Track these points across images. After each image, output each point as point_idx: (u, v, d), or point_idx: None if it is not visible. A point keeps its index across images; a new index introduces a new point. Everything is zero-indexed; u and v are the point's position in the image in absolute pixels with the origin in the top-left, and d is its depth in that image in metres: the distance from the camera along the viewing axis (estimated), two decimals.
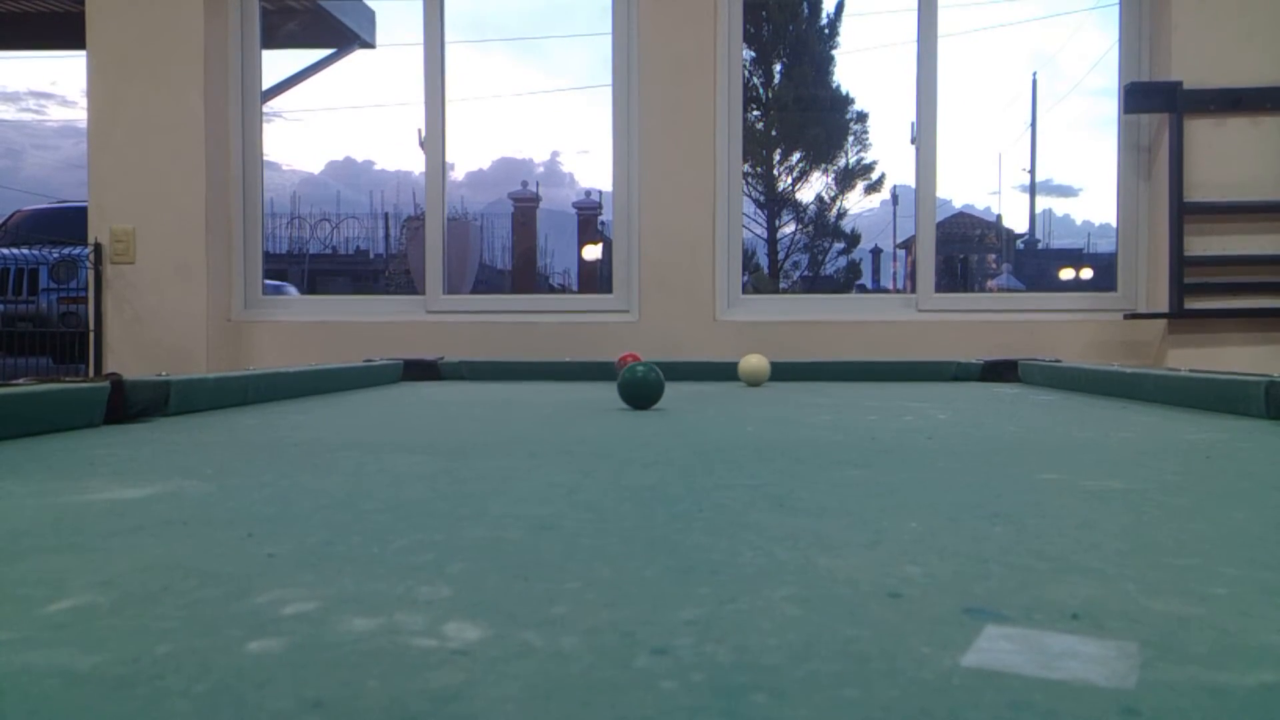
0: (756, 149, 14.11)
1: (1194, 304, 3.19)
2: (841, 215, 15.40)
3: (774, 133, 14.91)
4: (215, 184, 3.58)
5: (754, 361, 1.93)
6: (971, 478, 0.76)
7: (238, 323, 3.65)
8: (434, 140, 3.64)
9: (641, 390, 1.39)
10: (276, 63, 4.62)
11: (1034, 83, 20.12)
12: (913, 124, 3.51)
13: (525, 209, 15.62)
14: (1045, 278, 17.02)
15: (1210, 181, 3.19)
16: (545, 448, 0.97)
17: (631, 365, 1.42)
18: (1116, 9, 3.42)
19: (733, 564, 0.45)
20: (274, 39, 4.43)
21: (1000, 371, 2.16)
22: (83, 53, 3.53)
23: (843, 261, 15.86)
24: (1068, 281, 17.13)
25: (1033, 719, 0.26)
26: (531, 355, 2.90)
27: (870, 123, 15.06)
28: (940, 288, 3.52)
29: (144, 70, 3.50)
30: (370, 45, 5.10)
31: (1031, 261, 18.26)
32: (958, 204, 17.17)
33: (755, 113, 14.12)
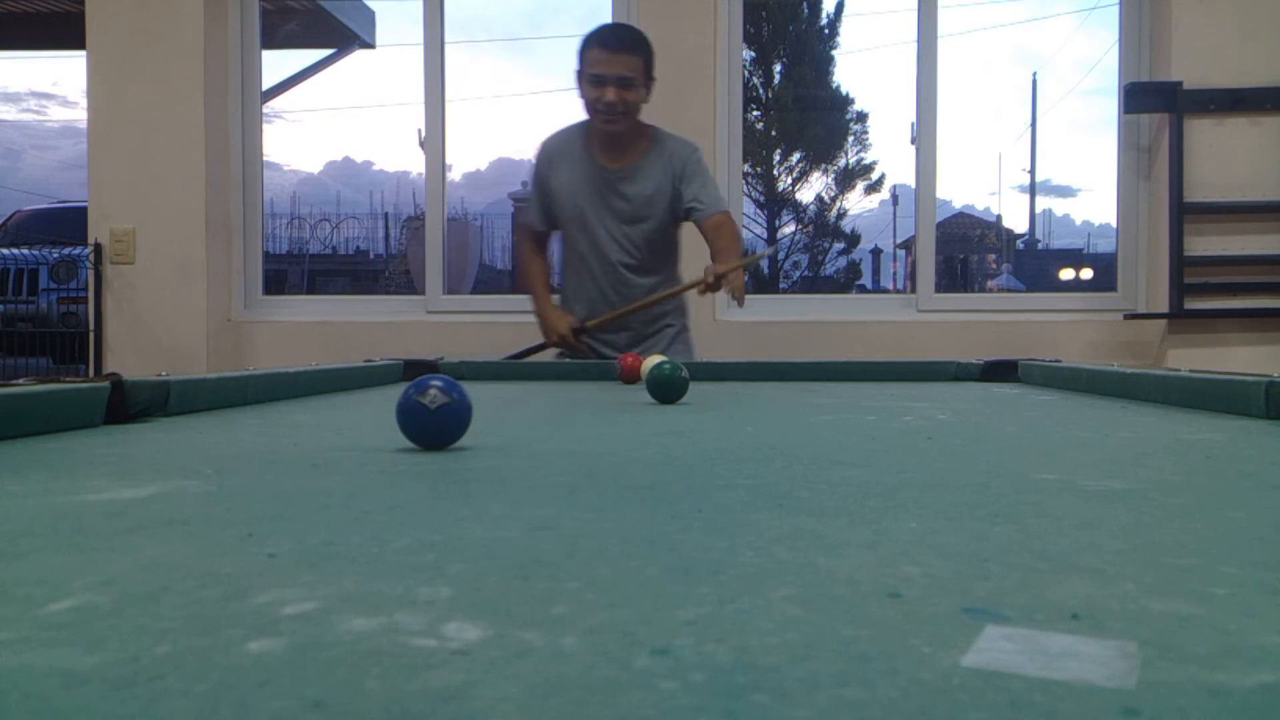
0: (756, 149, 14.11)
1: (1194, 304, 3.20)
2: (841, 215, 15.41)
3: (774, 133, 14.91)
4: (215, 184, 3.58)
5: (651, 361, 1.63)
6: (971, 478, 0.76)
7: (238, 323, 3.65)
8: (434, 140, 3.64)
9: (671, 386, 1.49)
10: (276, 63, 4.62)
11: (1034, 83, 20.13)
12: (912, 124, 3.51)
13: (525, 209, 15.57)
14: (1045, 278, 17.03)
15: (1210, 181, 3.19)
16: (545, 448, 0.97)
17: (661, 364, 1.50)
18: (1116, 9, 3.42)
19: (733, 564, 0.45)
20: (274, 39, 4.43)
21: (1000, 372, 2.16)
22: (83, 53, 3.53)
23: (843, 262, 15.87)
24: (1068, 281, 17.15)
25: (1033, 719, 0.26)
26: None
27: (870, 123, 15.08)
28: (940, 288, 3.53)
29: (144, 70, 3.50)
30: (370, 45, 5.11)
31: (1031, 261, 18.27)
32: (958, 204, 17.19)
33: (755, 113, 14.12)
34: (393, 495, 0.67)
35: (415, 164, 3.67)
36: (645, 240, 2.41)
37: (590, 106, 2.35)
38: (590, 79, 2.32)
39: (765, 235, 14.72)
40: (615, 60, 2.30)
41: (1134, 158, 3.40)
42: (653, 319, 2.47)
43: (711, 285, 2.22)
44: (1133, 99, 3.21)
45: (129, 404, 1.17)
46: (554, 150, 2.48)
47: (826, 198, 15.28)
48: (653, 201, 2.39)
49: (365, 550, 0.49)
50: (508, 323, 3.51)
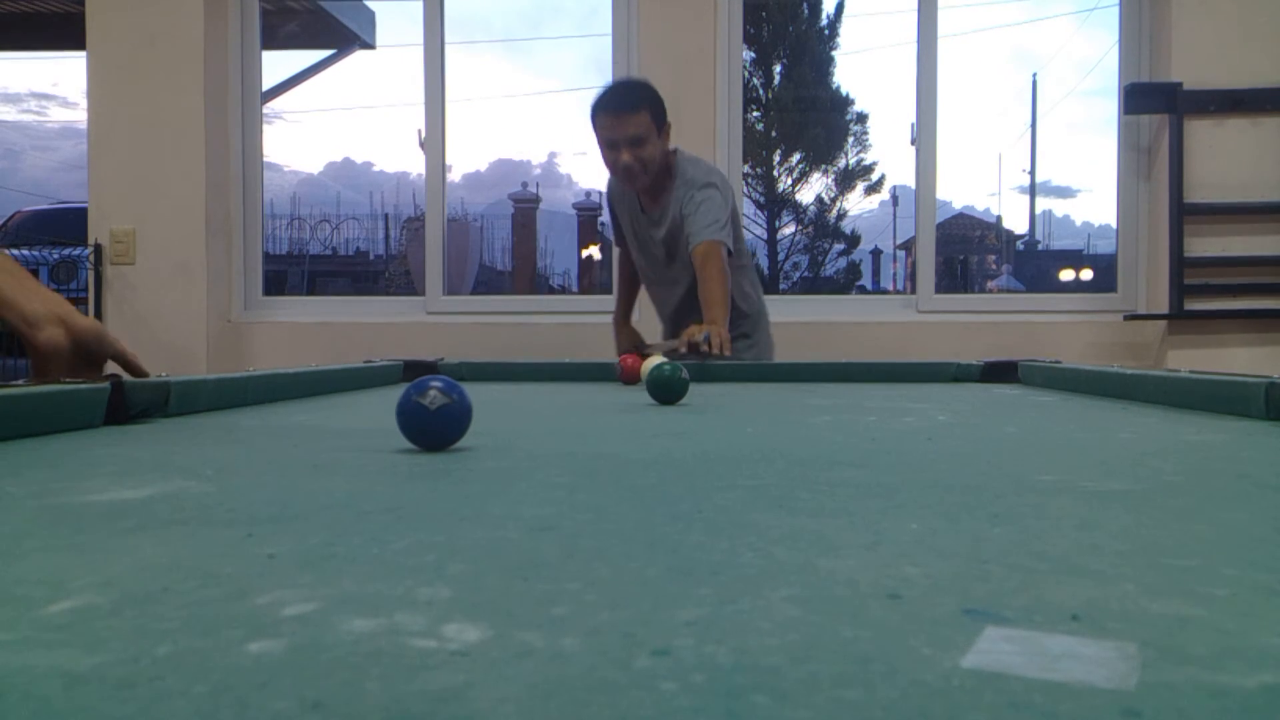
0: (756, 150, 14.12)
1: (1194, 305, 3.20)
2: (841, 216, 15.43)
3: (774, 134, 14.92)
4: (215, 184, 3.58)
5: (651, 362, 1.64)
6: (971, 479, 0.75)
7: (238, 323, 3.65)
8: (434, 141, 3.64)
9: (671, 388, 1.49)
10: (276, 63, 4.62)
11: (1034, 84, 20.15)
12: (912, 125, 3.51)
13: (525, 210, 15.61)
14: (1045, 279, 17.05)
15: (1210, 182, 3.19)
16: (545, 448, 0.97)
17: (660, 365, 1.50)
18: (1116, 10, 3.42)
19: (733, 564, 0.45)
20: (274, 40, 4.43)
21: (1000, 373, 2.16)
22: (83, 53, 3.53)
23: (843, 262, 15.89)
24: (1068, 282, 17.16)
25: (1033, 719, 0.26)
26: (531, 356, 2.91)
27: (870, 123, 15.09)
28: (940, 289, 3.53)
29: (144, 70, 3.50)
30: (370, 46, 5.11)
31: (1031, 262, 18.29)
32: (958, 205, 17.21)
33: (755, 113, 14.12)
34: (393, 496, 0.67)
35: (415, 165, 3.68)
36: (683, 276, 2.47)
37: (611, 169, 2.43)
38: (604, 144, 2.38)
39: (765, 235, 14.71)
40: (621, 122, 2.34)
41: (1134, 158, 3.40)
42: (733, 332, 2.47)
43: (688, 351, 2.17)
44: (1133, 100, 3.21)
45: (129, 405, 1.17)
46: (614, 190, 2.61)
47: (826, 198, 15.30)
48: (671, 244, 2.46)
49: (365, 551, 0.48)
50: (508, 324, 3.52)
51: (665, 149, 2.43)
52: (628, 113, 2.33)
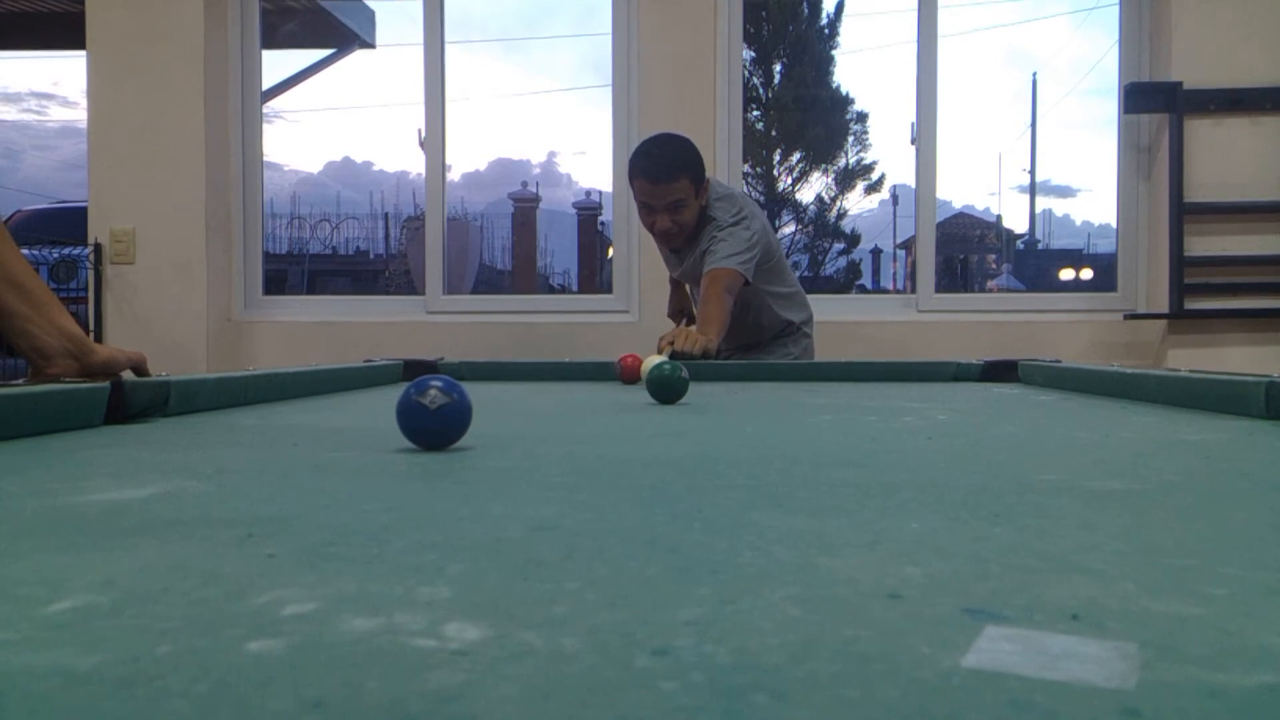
0: (757, 149, 14.11)
1: (1194, 304, 3.20)
2: (841, 215, 15.43)
3: (774, 133, 14.92)
4: (215, 184, 3.58)
5: (651, 362, 1.69)
6: (971, 478, 0.75)
7: (238, 323, 3.65)
8: (434, 140, 3.64)
9: (671, 387, 1.49)
10: (276, 63, 4.62)
11: (1034, 83, 20.14)
12: (912, 124, 3.51)
13: (525, 209, 15.59)
14: (1045, 278, 17.05)
15: (1210, 182, 3.19)
16: (545, 448, 0.97)
17: (660, 364, 1.50)
18: (1116, 9, 3.42)
19: (733, 564, 0.45)
20: (274, 39, 4.43)
21: (1000, 372, 2.16)
22: (84, 53, 3.53)
23: (843, 262, 15.89)
24: (1068, 282, 17.16)
25: (1033, 719, 0.26)
26: (531, 355, 2.91)
27: (870, 123, 15.08)
28: (940, 288, 3.53)
29: (144, 70, 3.50)
30: (370, 45, 5.10)
31: (1031, 262, 18.28)
32: (958, 204, 17.21)
33: (755, 113, 14.12)
34: (393, 495, 0.67)
35: (415, 164, 3.68)
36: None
37: (648, 229, 2.44)
38: (641, 206, 2.37)
39: None
40: (661, 190, 2.31)
41: (1134, 158, 3.40)
42: (772, 345, 2.58)
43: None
44: (1132, 99, 3.21)
45: (129, 404, 1.17)
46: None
47: (826, 198, 15.29)
48: (695, 274, 2.47)
49: (365, 550, 0.49)
50: (508, 323, 3.52)
51: (702, 205, 2.40)
52: (667, 181, 2.30)
